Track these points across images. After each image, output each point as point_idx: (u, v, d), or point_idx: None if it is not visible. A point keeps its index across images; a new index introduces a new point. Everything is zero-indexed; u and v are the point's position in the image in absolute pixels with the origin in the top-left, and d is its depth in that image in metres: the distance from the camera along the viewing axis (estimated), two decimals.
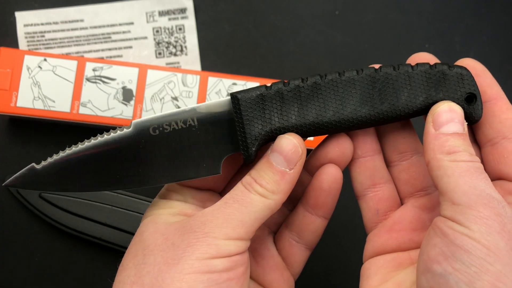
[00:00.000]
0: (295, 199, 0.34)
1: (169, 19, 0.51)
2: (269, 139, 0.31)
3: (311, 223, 0.33)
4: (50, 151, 0.50)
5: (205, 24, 0.52)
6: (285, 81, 0.31)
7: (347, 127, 0.31)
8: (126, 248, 0.46)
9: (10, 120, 0.50)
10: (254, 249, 0.34)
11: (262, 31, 0.52)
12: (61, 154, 0.31)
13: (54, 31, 0.51)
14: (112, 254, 0.49)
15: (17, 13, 0.50)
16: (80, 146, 0.31)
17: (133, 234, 0.47)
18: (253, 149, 0.30)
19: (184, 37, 0.51)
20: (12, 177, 0.31)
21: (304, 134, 0.31)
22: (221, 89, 0.47)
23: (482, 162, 0.30)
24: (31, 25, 0.50)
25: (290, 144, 0.30)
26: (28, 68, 0.46)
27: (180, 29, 0.51)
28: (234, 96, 0.30)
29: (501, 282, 0.24)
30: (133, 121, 0.31)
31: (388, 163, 0.33)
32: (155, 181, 0.31)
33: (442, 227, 0.27)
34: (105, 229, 0.47)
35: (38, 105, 0.46)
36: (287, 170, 0.29)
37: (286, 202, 0.33)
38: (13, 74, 0.46)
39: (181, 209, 0.31)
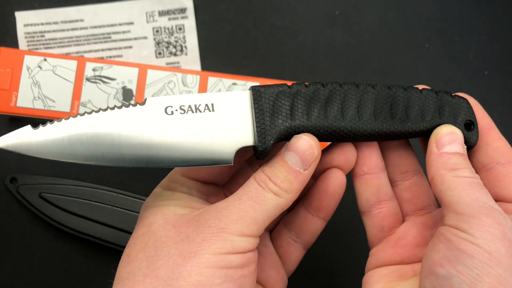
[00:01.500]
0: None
1: (169, 19, 0.51)
2: (286, 136, 0.31)
3: (312, 224, 0.34)
4: None
5: (205, 24, 0.52)
6: (306, 83, 0.32)
7: (360, 136, 0.32)
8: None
9: (10, 120, 0.50)
10: None
11: (262, 31, 0.52)
12: (64, 121, 0.29)
13: (54, 31, 0.51)
14: (112, 254, 0.49)
15: (17, 13, 0.50)
16: (87, 116, 0.30)
17: None
18: (271, 142, 0.30)
19: (184, 37, 0.51)
20: (6, 135, 0.30)
21: (319, 136, 0.31)
22: (221, 89, 0.47)
23: None
24: (31, 25, 0.50)
25: (306, 145, 0.30)
26: (28, 68, 0.46)
27: (180, 29, 0.51)
28: (256, 89, 0.31)
29: (501, 285, 0.26)
30: (148, 99, 0.30)
31: (390, 182, 0.34)
32: (164, 163, 0.30)
33: (446, 234, 0.28)
34: (105, 229, 0.47)
35: (38, 105, 0.46)
36: (302, 170, 0.30)
37: None
38: (13, 74, 0.46)
39: (188, 202, 0.31)
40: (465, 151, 0.31)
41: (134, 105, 0.30)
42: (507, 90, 0.52)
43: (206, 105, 0.30)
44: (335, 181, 0.33)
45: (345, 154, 0.33)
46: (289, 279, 0.37)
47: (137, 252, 0.29)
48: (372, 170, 0.33)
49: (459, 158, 0.30)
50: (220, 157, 0.30)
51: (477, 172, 0.31)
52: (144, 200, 0.47)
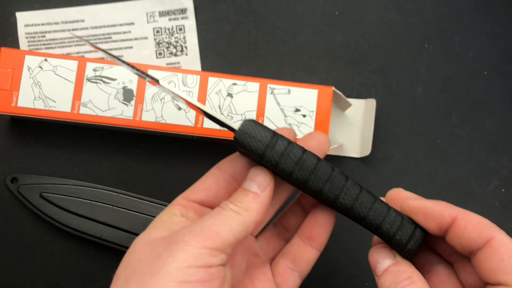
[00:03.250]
0: (293, 231, 0.39)
1: (170, 20, 0.51)
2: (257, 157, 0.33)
3: (306, 252, 0.37)
4: (51, 151, 0.50)
5: (205, 24, 0.52)
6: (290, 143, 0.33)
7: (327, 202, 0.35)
8: (126, 247, 0.46)
9: (11, 120, 0.50)
10: (252, 272, 0.37)
11: (262, 31, 0.52)
12: None
13: (54, 31, 0.51)
14: (113, 253, 0.49)
15: (17, 13, 0.51)
16: None
17: (133, 233, 0.47)
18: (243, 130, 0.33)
19: (184, 37, 0.51)
20: None
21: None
22: (221, 89, 0.47)
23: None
24: (32, 25, 0.51)
25: (260, 172, 0.34)
26: (29, 68, 0.47)
27: (180, 29, 0.51)
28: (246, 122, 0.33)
29: None
30: None
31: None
32: None
33: None
34: (105, 228, 0.47)
35: (39, 105, 0.46)
36: (259, 192, 0.33)
37: (284, 232, 0.39)
38: (13, 74, 0.46)
39: (177, 224, 0.33)
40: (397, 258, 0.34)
41: None
42: (506, 90, 0.52)
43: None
44: (325, 213, 0.37)
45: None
46: None
47: (121, 271, 0.31)
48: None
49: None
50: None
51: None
52: (144, 200, 0.48)
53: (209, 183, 0.35)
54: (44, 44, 0.50)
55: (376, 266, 0.34)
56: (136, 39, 0.51)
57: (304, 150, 0.33)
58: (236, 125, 0.34)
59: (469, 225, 0.32)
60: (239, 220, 0.31)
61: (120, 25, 0.51)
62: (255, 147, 0.33)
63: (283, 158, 0.33)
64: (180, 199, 0.35)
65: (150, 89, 0.47)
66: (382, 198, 0.35)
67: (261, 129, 0.33)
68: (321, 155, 0.35)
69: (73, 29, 0.51)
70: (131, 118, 0.47)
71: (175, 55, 0.51)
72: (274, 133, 0.33)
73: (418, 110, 0.51)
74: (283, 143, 0.33)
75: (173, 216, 0.33)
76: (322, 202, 0.35)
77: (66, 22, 0.51)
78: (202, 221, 0.31)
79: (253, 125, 0.33)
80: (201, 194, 0.35)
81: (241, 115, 0.47)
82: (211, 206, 0.35)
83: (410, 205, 0.34)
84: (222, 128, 0.47)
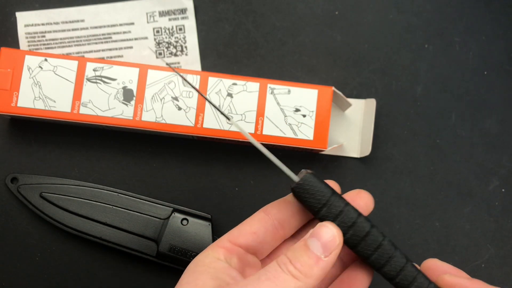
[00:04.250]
0: (326, 281, 0.36)
1: (170, 20, 0.51)
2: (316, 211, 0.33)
3: None
4: (51, 151, 0.50)
5: (205, 24, 0.52)
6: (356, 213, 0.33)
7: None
8: (126, 247, 0.46)
9: (11, 120, 0.50)
10: None
11: (262, 31, 0.52)
12: None
13: (54, 31, 0.51)
14: (113, 253, 0.49)
15: (17, 13, 0.51)
16: None
17: (133, 233, 0.47)
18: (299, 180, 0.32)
19: (184, 37, 0.51)
20: None
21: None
22: (221, 89, 0.47)
23: None
24: (32, 25, 0.51)
25: (329, 233, 0.31)
26: (29, 68, 0.47)
27: (180, 29, 0.51)
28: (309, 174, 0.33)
29: None
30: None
31: None
32: None
33: None
34: (105, 228, 0.47)
35: (39, 105, 0.46)
36: (322, 256, 0.30)
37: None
38: (14, 74, 0.46)
39: (221, 273, 0.31)
40: None
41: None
42: (506, 90, 0.52)
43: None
44: (364, 270, 0.34)
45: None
46: None
47: None
48: None
49: None
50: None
51: None
52: (144, 200, 0.48)
53: (256, 227, 0.33)
54: (44, 44, 0.50)
55: None
56: (136, 39, 0.51)
57: (359, 214, 0.33)
58: (295, 177, 0.32)
59: None
60: (296, 287, 0.29)
61: (120, 25, 0.51)
62: (312, 203, 0.32)
63: (338, 219, 0.32)
64: (225, 242, 0.33)
65: (150, 89, 0.47)
66: (417, 265, 0.35)
67: (320, 185, 0.32)
68: (365, 214, 0.34)
69: (73, 29, 0.51)
70: (131, 118, 0.47)
71: (175, 55, 0.51)
72: (332, 192, 0.32)
73: (418, 110, 0.51)
74: (340, 204, 0.32)
75: (217, 260, 0.32)
76: (364, 262, 0.34)
77: (66, 22, 0.51)
78: (255, 283, 0.29)
79: (312, 181, 0.32)
80: (249, 239, 0.33)
81: (241, 115, 0.47)
82: (256, 252, 0.34)
83: (447, 281, 0.33)
84: (222, 128, 0.47)
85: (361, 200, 0.34)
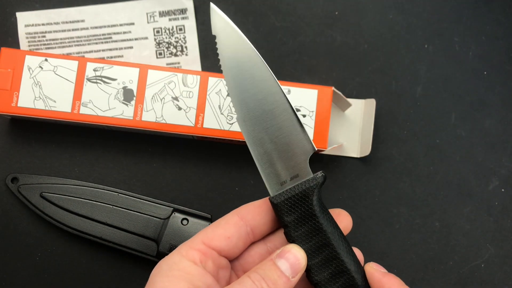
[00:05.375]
0: None
1: (170, 20, 0.51)
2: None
3: None
4: (51, 151, 0.50)
5: (205, 24, 0.52)
6: None
7: None
8: (126, 247, 0.46)
9: (11, 120, 0.50)
10: None
11: (262, 31, 0.52)
12: None
13: (55, 31, 0.51)
14: (113, 253, 0.49)
15: (18, 14, 0.51)
16: None
17: (133, 233, 0.47)
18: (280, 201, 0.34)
19: (184, 38, 0.51)
20: None
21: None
22: (221, 89, 0.47)
23: None
24: (32, 25, 0.51)
25: (297, 255, 0.33)
26: (29, 68, 0.47)
27: (180, 29, 0.51)
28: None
29: None
30: None
31: None
32: None
33: None
34: (105, 228, 0.47)
35: (39, 105, 0.46)
36: (290, 277, 0.32)
37: None
38: (14, 74, 0.46)
39: (196, 279, 0.32)
40: None
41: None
42: (506, 90, 0.52)
43: None
44: None
45: None
46: None
47: None
48: None
49: None
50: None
51: None
52: (144, 200, 0.48)
53: (231, 232, 0.34)
54: (44, 44, 0.50)
55: None
56: (136, 39, 0.51)
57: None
58: (271, 193, 0.34)
59: None
60: None
61: (121, 25, 0.51)
62: (286, 221, 0.34)
63: (309, 244, 0.34)
64: (200, 244, 0.33)
65: (150, 89, 0.47)
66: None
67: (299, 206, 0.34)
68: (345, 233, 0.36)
69: (73, 29, 0.51)
70: (131, 118, 0.47)
71: (175, 55, 0.51)
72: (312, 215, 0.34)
73: (418, 110, 0.51)
74: (316, 230, 0.34)
75: (193, 265, 0.32)
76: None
77: (66, 22, 0.51)
78: None
79: (288, 200, 0.34)
80: (223, 243, 0.34)
81: None
82: (227, 255, 0.34)
83: (367, 270, 0.35)
84: (222, 128, 0.47)
85: (341, 223, 0.36)
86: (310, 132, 0.47)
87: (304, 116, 0.47)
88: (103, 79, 0.47)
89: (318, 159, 0.51)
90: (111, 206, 0.47)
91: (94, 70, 0.47)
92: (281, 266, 0.32)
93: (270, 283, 0.32)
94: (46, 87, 0.47)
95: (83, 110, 0.47)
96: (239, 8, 0.52)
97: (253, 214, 0.35)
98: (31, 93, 0.46)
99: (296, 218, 0.33)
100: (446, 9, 0.52)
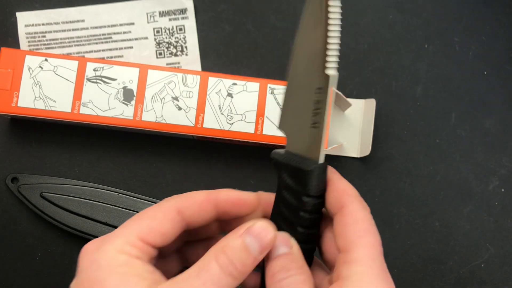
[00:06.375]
0: None
1: (170, 20, 0.51)
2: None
3: None
4: (51, 151, 0.50)
5: (205, 24, 0.52)
6: None
7: None
8: None
9: (11, 120, 0.50)
10: None
11: (262, 31, 0.52)
12: None
13: (55, 31, 0.51)
14: None
15: (18, 14, 0.51)
16: None
17: None
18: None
19: (184, 38, 0.51)
20: None
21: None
22: (221, 89, 0.47)
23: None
24: (32, 25, 0.51)
25: (269, 233, 0.30)
26: (29, 68, 0.47)
27: (180, 29, 0.51)
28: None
29: None
30: None
31: None
32: None
33: None
34: (106, 228, 0.47)
35: (39, 105, 0.46)
36: (258, 256, 0.30)
37: None
38: (14, 74, 0.46)
39: (150, 274, 0.30)
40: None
41: None
42: (506, 90, 0.52)
43: None
44: None
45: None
46: None
47: None
48: None
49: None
50: None
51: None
52: (144, 200, 0.47)
53: (167, 228, 0.31)
54: (44, 44, 0.50)
55: (273, 250, 0.31)
56: (136, 39, 0.51)
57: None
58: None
59: (332, 191, 0.31)
60: (233, 286, 0.29)
61: (120, 25, 0.51)
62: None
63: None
64: (135, 239, 0.30)
65: (150, 89, 0.47)
66: None
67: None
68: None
69: (73, 29, 0.51)
70: (131, 118, 0.47)
71: (175, 55, 0.51)
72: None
73: (418, 110, 0.51)
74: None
75: (136, 259, 0.29)
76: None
77: (66, 22, 0.51)
78: (196, 281, 0.28)
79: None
80: (158, 239, 0.30)
81: (241, 115, 0.47)
82: (165, 249, 0.32)
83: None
84: (222, 128, 0.47)
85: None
86: None
87: None
88: (103, 79, 0.47)
89: None
90: (111, 206, 0.47)
91: (94, 70, 0.47)
92: (251, 246, 0.30)
93: (239, 266, 0.29)
94: (46, 87, 0.47)
95: (83, 110, 0.47)
96: (239, 8, 0.52)
97: (192, 211, 0.32)
98: (31, 93, 0.46)
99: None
100: (446, 9, 0.52)
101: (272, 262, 0.31)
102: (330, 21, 0.32)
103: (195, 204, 0.32)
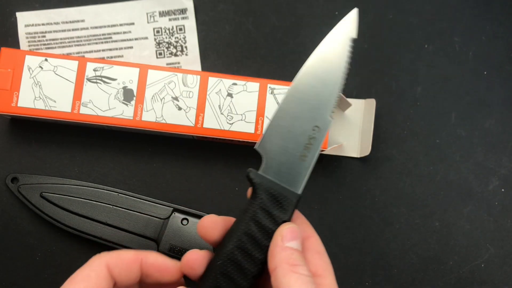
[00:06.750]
0: None
1: (170, 20, 0.51)
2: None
3: None
4: (51, 151, 0.50)
5: (205, 24, 0.52)
6: None
7: None
8: (127, 247, 0.46)
9: (11, 120, 0.50)
10: None
11: (262, 31, 0.52)
12: None
13: (55, 31, 0.51)
14: None
15: (18, 14, 0.51)
16: None
17: (133, 233, 0.47)
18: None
19: (184, 38, 0.51)
20: None
21: None
22: (221, 89, 0.47)
23: None
24: (32, 25, 0.51)
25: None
26: (29, 68, 0.47)
27: (180, 29, 0.51)
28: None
29: None
30: None
31: None
32: None
33: None
34: (105, 228, 0.47)
35: (39, 105, 0.46)
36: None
37: None
38: (14, 74, 0.46)
39: None
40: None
41: None
42: (506, 90, 0.52)
43: None
44: None
45: None
46: None
47: None
48: None
49: (298, 255, 0.31)
50: None
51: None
52: (144, 200, 0.47)
53: (104, 286, 0.31)
54: (44, 44, 0.50)
55: (290, 237, 0.32)
56: (136, 39, 0.51)
57: None
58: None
59: (298, 221, 0.34)
60: None
61: (120, 25, 0.51)
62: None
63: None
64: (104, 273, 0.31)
65: (150, 89, 0.47)
66: None
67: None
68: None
69: (73, 29, 0.51)
70: (131, 118, 0.47)
71: (175, 55, 0.51)
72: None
73: (418, 110, 0.51)
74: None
75: None
76: None
77: (66, 22, 0.51)
78: None
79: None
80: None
81: (241, 115, 0.47)
82: None
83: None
84: (222, 128, 0.47)
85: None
86: None
87: None
88: (103, 79, 0.47)
89: (318, 159, 0.51)
90: (111, 206, 0.47)
91: (94, 70, 0.47)
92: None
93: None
94: (46, 87, 0.47)
95: (83, 110, 0.47)
96: (239, 8, 0.52)
97: (120, 269, 0.32)
98: (31, 93, 0.46)
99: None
100: (446, 9, 0.52)
101: (287, 251, 0.31)
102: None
103: (123, 262, 0.32)
